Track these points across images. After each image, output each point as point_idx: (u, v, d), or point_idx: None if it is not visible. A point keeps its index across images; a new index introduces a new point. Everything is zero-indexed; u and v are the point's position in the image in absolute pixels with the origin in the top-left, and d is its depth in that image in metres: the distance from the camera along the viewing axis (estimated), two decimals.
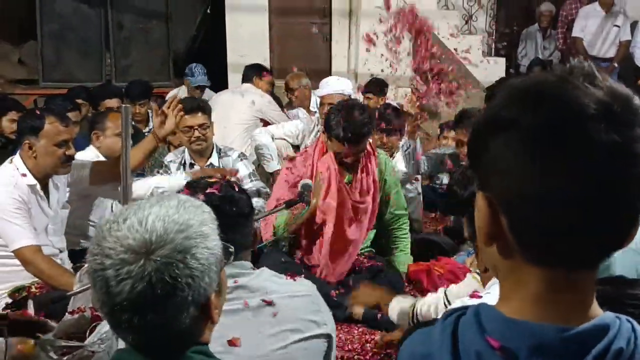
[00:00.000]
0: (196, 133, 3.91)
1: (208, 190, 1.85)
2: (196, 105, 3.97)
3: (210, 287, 1.14)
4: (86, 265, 1.14)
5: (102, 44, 6.86)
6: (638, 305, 1.23)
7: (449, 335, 0.84)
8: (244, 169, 4.03)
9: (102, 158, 3.85)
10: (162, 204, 1.15)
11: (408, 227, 3.58)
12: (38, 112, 3.18)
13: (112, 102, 5.11)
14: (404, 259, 3.50)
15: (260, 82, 5.62)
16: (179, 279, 1.09)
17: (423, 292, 3.09)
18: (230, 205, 1.81)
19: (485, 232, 0.84)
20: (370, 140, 3.37)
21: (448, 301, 2.33)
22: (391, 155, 4.16)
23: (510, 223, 0.80)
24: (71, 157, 3.19)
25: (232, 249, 1.28)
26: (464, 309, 0.87)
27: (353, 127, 3.05)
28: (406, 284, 3.38)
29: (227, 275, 1.47)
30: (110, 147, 3.89)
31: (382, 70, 6.68)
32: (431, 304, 2.40)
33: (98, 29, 6.84)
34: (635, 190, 0.76)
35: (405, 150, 4.34)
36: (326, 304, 1.91)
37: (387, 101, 5.38)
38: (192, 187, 1.86)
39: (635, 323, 0.82)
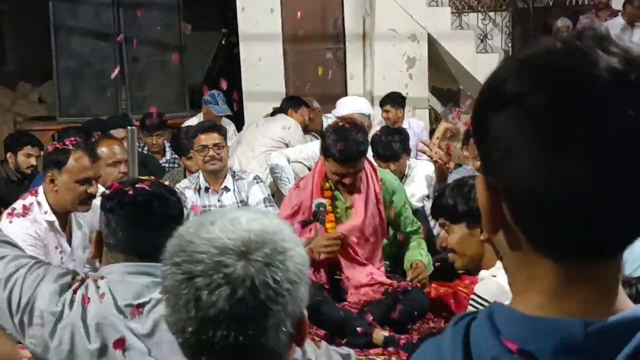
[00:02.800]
0: (211, 152, 3.87)
1: (138, 185, 1.76)
2: (212, 125, 4.01)
3: (304, 300, 1.00)
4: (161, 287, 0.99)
5: (117, 78, 6.89)
6: None
7: (460, 342, 0.74)
8: (259, 193, 3.96)
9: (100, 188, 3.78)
10: (245, 210, 1.04)
11: (424, 242, 3.48)
12: (66, 146, 3.07)
13: (117, 133, 5.02)
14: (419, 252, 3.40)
15: (295, 115, 5.56)
16: (282, 283, 0.95)
17: (448, 318, 2.97)
18: (159, 204, 1.72)
19: (488, 221, 0.74)
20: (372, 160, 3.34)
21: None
22: (402, 177, 4.08)
23: (514, 211, 0.71)
24: (92, 196, 3.09)
25: None
26: (474, 313, 0.76)
27: (348, 147, 3.03)
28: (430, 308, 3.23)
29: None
30: (105, 178, 3.58)
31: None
32: None
33: (113, 63, 6.88)
34: None
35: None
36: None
37: (405, 119, 5.31)
38: (122, 183, 1.81)
39: None
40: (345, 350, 1.97)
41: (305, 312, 1.03)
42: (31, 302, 1.66)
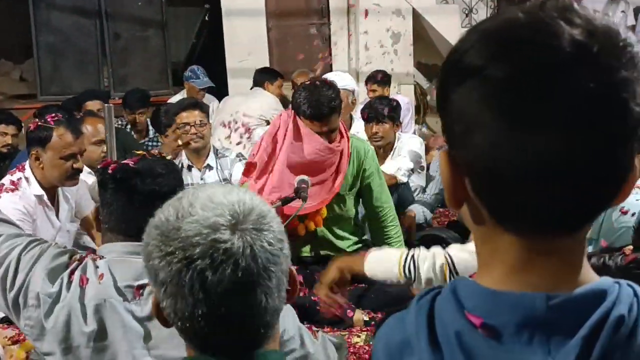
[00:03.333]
0: (193, 130, 3.83)
1: (123, 161, 1.71)
2: (193, 102, 3.92)
3: (289, 255, 1.02)
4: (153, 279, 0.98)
5: (98, 55, 6.80)
6: None
7: (424, 317, 0.73)
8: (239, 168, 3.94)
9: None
10: (210, 186, 1.02)
11: (397, 221, 3.41)
12: (48, 123, 3.05)
13: (93, 104, 4.92)
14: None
15: (271, 87, 5.57)
16: (274, 244, 0.97)
17: None
18: (142, 180, 1.65)
19: (450, 195, 0.73)
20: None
21: (451, 257, 2.05)
22: (390, 149, 4.06)
23: (476, 186, 0.69)
24: (79, 170, 3.10)
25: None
26: (439, 288, 0.76)
27: (319, 103, 2.96)
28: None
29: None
30: (87, 157, 3.62)
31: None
32: (428, 258, 2.07)
33: (94, 40, 6.78)
34: (619, 143, 0.65)
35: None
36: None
37: (391, 96, 5.30)
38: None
39: (637, 288, 0.70)
40: (338, 338, 1.97)
41: (290, 267, 1.04)
42: (26, 283, 1.61)
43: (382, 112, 4.10)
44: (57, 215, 3.22)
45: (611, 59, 0.64)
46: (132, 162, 1.69)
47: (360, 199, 3.38)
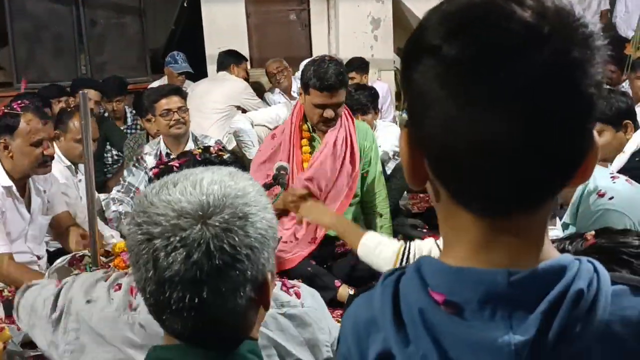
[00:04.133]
0: (175, 116, 3.82)
1: (170, 162, 1.69)
2: (173, 88, 3.91)
3: (268, 264, 1.00)
4: (129, 239, 0.99)
5: (75, 42, 6.70)
6: (632, 253, 1.16)
7: (389, 295, 0.74)
8: None
9: (63, 158, 3.71)
10: (213, 171, 1.01)
11: (389, 207, 3.49)
12: (14, 109, 2.99)
13: (91, 94, 4.91)
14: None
15: (236, 69, 5.54)
16: (239, 249, 0.95)
17: None
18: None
19: (409, 173, 0.74)
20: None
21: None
22: None
23: (433, 164, 0.71)
24: (50, 157, 3.04)
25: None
26: (404, 268, 0.77)
27: (328, 75, 3.08)
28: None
29: None
30: (69, 151, 3.72)
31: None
32: (425, 248, 2.11)
33: (71, 27, 6.68)
34: (572, 123, 0.66)
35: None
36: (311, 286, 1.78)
37: (370, 82, 5.30)
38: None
39: (597, 264, 0.72)
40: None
41: (269, 276, 1.02)
42: (66, 306, 1.61)
43: (366, 103, 4.14)
44: (29, 207, 3.15)
45: (562, 40, 0.65)
46: (178, 164, 1.69)
47: None
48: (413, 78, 0.70)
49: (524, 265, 0.70)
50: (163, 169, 1.68)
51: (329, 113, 3.15)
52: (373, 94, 4.25)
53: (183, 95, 3.95)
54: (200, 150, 1.76)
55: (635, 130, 2.99)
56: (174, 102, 3.82)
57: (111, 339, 1.55)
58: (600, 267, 0.72)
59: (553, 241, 1.29)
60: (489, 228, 0.71)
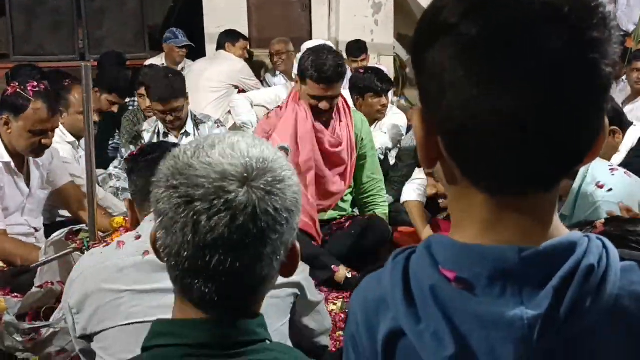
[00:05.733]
0: (169, 117, 3.76)
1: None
2: (169, 94, 3.71)
3: (296, 229, 0.99)
4: (159, 203, 0.95)
5: (73, 16, 6.64)
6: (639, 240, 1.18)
7: (399, 273, 0.75)
8: None
9: (67, 135, 3.69)
10: (243, 136, 0.98)
11: (385, 194, 3.51)
12: (27, 93, 2.96)
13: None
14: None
15: (233, 48, 5.53)
16: (281, 212, 0.93)
17: None
18: (164, 151, 1.64)
19: (424, 155, 0.74)
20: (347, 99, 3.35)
21: None
22: (372, 123, 4.07)
23: (448, 145, 0.71)
24: (46, 147, 3.03)
25: None
26: (414, 247, 0.77)
27: (326, 67, 3.03)
28: None
29: None
30: (73, 125, 3.65)
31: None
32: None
33: (69, 1, 6.62)
34: (589, 103, 0.67)
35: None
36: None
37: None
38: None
39: (606, 241, 0.73)
40: (320, 296, 1.99)
41: (297, 242, 1.02)
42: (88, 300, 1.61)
43: (383, 86, 4.13)
44: (28, 181, 3.15)
45: (581, 19, 0.66)
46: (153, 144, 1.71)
47: None
48: (427, 58, 0.69)
49: (534, 242, 0.70)
50: (143, 149, 1.76)
51: (324, 105, 3.12)
52: (382, 78, 4.21)
53: (181, 95, 3.78)
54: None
55: (624, 131, 3.01)
56: (170, 107, 3.72)
57: (146, 280, 1.56)
58: (609, 244, 0.73)
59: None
60: (499, 207, 0.72)
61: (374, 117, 4.10)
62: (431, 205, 3.53)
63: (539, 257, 0.70)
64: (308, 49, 3.28)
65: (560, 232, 0.74)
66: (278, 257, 0.97)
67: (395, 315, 0.75)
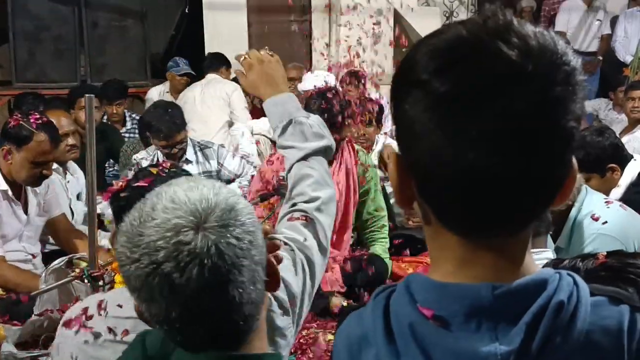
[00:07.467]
0: (174, 150, 3.83)
1: (135, 183, 1.60)
2: (173, 130, 3.80)
3: (263, 245, 1.01)
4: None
5: (76, 43, 6.70)
6: (639, 272, 1.20)
7: (380, 312, 0.79)
8: (233, 158, 3.99)
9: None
10: (174, 183, 0.99)
11: (387, 231, 3.46)
12: (31, 125, 2.99)
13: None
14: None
15: (225, 72, 5.62)
16: (242, 238, 0.95)
17: None
18: None
19: (398, 196, 0.78)
20: (353, 130, 3.33)
21: None
22: (369, 149, 4.09)
23: (421, 188, 0.75)
24: (45, 177, 3.06)
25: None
26: (394, 286, 0.81)
27: (332, 114, 3.01)
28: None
29: None
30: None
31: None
32: None
33: (72, 28, 6.68)
34: (553, 155, 0.71)
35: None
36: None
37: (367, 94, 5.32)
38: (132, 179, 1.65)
39: (577, 277, 0.76)
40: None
41: (269, 256, 1.04)
42: None
43: (370, 117, 4.13)
44: (25, 209, 3.17)
45: (545, 78, 0.70)
46: (145, 183, 1.59)
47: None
48: (403, 108, 0.74)
49: (506, 280, 0.74)
50: (131, 193, 1.58)
51: None
52: (379, 108, 4.25)
53: (182, 128, 3.85)
54: (155, 169, 1.68)
55: (622, 168, 3.02)
56: (174, 140, 3.80)
57: None
58: (580, 280, 0.76)
59: (564, 259, 1.34)
60: (472, 247, 0.76)
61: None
62: None
63: (511, 294, 0.73)
64: (314, 93, 3.23)
65: (532, 269, 0.77)
66: (259, 278, 0.99)
67: (377, 352, 0.78)
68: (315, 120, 1.70)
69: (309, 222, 1.56)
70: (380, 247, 3.38)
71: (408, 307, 0.77)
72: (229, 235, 0.94)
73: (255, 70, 1.69)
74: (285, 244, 1.48)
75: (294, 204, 1.59)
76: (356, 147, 3.42)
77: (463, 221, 0.75)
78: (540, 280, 0.74)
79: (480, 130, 0.69)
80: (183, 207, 0.95)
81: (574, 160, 0.75)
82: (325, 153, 1.69)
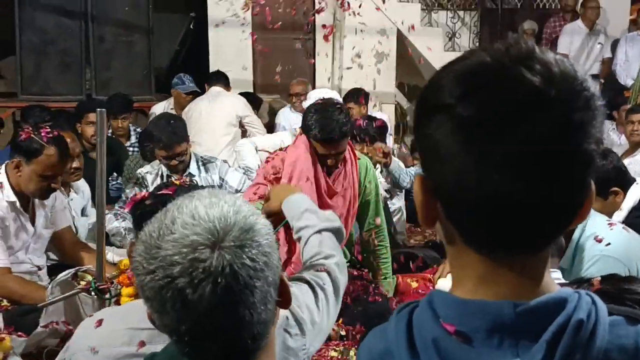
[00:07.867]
0: (173, 162, 3.85)
1: (161, 191, 1.68)
2: (173, 141, 3.82)
3: (279, 265, 1.03)
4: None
5: (82, 57, 6.74)
6: (635, 299, 1.22)
7: (403, 327, 0.81)
8: (236, 173, 4.01)
9: None
10: (196, 197, 1.01)
11: (388, 243, 3.44)
12: (42, 138, 3.01)
13: (91, 117, 4.95)
14: (386, 286, 3.39)
15: (227, 89, 5.67)
16: (257, 259, 0.97)
17: None
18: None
19: (422, 216, 0.81)
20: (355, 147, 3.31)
21: None
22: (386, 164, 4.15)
23: (445, 210, 0.78)
24: (53, 190, 3.09)
25: None
26: (416, 302, 0.84)
27: (331, 127, 2.94)
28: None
29: None
30: None
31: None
32: None
33: (78, 42, 6.72)
34: (574, 179, 0.74)
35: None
36: None
37: (370, 112, 5.38)
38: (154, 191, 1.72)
39: (595, 297, 0.78)
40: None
41: (284, 275, 1.06)
42: None
43: (373, 135, 4.19)
44: (33, 220, 3.19)
45: (566, 103, 0.72)
46: (170, 191, 1.65)
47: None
48: (427, 132, 0.76)
49: (527, 298, 0.76)
50: (154, 201, 1.65)
51: (330, 162, 3.06)
52: (382, 128, 4.30)
53: (184, 139, 3.87)
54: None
55: (625, 191, 3.03)
56: (173, 152, 3.82)
57: None
58: (598, 300, 0.79)
59: (561, 285, 1.37)
60: (494, 265, 0.78)
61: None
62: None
63: (532, 312, 0.76)
64: (313, 106, 3.15)
65: (552, 288, 0.79)
66: (270, 299, 1.01)
67: None
68: (327, 212, 1.88)
69: (328, 273, 1.63)
70: (387, 284, 3.35)
71: (431, 322, 0.79)
72: (244, 256, 0.96)
73: (274, 192, 1.97)
74: (308, 282, 1.55)
75: (313, 263, 1.67)
76: (360, 157, 3.36)
77: (486, 242, 0.77)
78: (560, 298, 0.77)
79: (504, 155, 0.71)
80: (202, 224, 0.96)
81: (592, 181, 0.78)
82: (338, 234, 1.82)
